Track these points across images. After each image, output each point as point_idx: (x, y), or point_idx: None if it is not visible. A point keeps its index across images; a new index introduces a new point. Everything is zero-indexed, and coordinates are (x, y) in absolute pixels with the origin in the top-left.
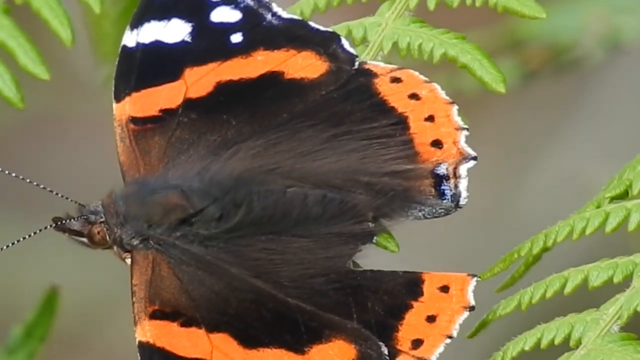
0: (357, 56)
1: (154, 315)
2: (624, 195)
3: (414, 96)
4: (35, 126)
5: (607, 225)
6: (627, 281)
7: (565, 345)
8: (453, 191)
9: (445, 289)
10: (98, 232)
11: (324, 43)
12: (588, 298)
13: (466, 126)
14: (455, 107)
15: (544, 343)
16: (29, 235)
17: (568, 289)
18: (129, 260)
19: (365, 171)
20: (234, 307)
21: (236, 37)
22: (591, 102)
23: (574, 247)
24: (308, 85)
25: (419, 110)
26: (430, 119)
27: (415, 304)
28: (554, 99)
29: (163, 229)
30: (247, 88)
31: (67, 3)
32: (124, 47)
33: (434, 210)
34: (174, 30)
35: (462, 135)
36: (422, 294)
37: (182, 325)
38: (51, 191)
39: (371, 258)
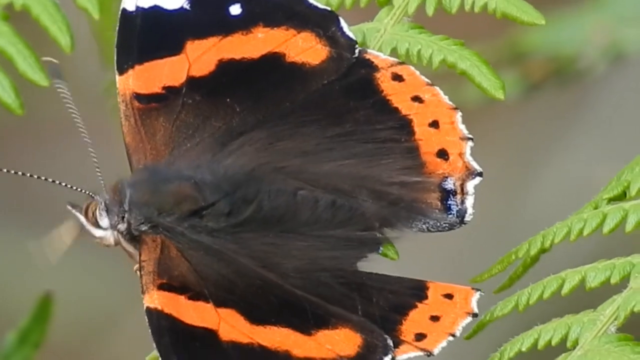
0: (356, 42)
1: (162, 287)
2: (621, 197)
3: (417, 99)
4: (35, 129)
5: (605, 226)
6: (624, 282)
7: (562, 346)
8: (459, 207)
9: (449, 296)
10: (93, 214)
11: (323, 23)
12: (585, 299)
13: (471, 136)
14: (459, 114)
15: (541, 344)
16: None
17: (565, 290)
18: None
19: (373, 178)
20: (241, 289)
21: (235, 9)
22: (594, 114)
23: (572, 248)
24: (310, 72)
25: (422, 113)
26: (435, 124)
27: (419, 304)
28: (557, 111)
29: (173, 218)
30: (249, 70)
31: (72, 11)
32: (124, 10)
33: (439, 224)
34: None
35: (468, 147)
36: (426, 297)
37: (190, 298)
38: (60, 183)
39: (371, 260)
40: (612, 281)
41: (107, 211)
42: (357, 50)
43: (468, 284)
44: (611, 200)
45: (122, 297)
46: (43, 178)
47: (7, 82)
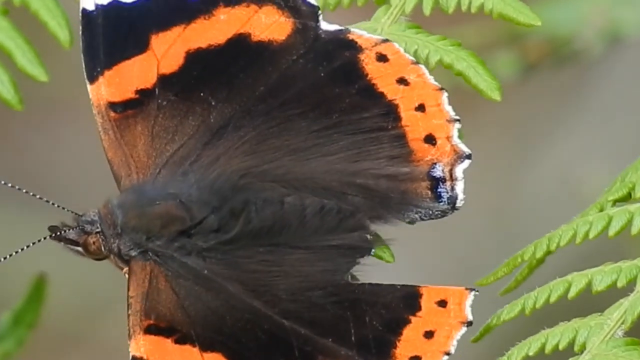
0: (318, 7)
1: (149, 330)
2: (627, 198)
3: (402, 81)
4: (36, 114)
5: (610, 228)
6: (630, 285)
7: (570, 350)
8: (450, 193)
9: (443, 303)
10: (93, 243)
11: None
12: (592, 302)
13: (458, 117)
14: (445, 95)
15: (548, 348)
16: (27, 246)
17: (572, 294)
18: (126, 269)
19: (361, 173)
20: (230, 325)
21: None
22: (591, 95)
23: (573, 247)
24: (278, 50)
25: (408, 97)
26: (421, 108)
27: (413, 318)
28: (553, 92)
29: (162, 242)
30: (218, 57)
31: (67, 4)
32: (84, 11)
33: (431, 213)
34: None
35: (455, 130)
36: (419, 308)
37: (177, 342)
38: (47, 201)
39: (375, 264)
40: (619, 284)
41: (105, 240)
42: (319, 16)
43: (472, 284)
44: (616, 202)
45: (117, 281)
46: (31, 194)
47: (6, 77)
